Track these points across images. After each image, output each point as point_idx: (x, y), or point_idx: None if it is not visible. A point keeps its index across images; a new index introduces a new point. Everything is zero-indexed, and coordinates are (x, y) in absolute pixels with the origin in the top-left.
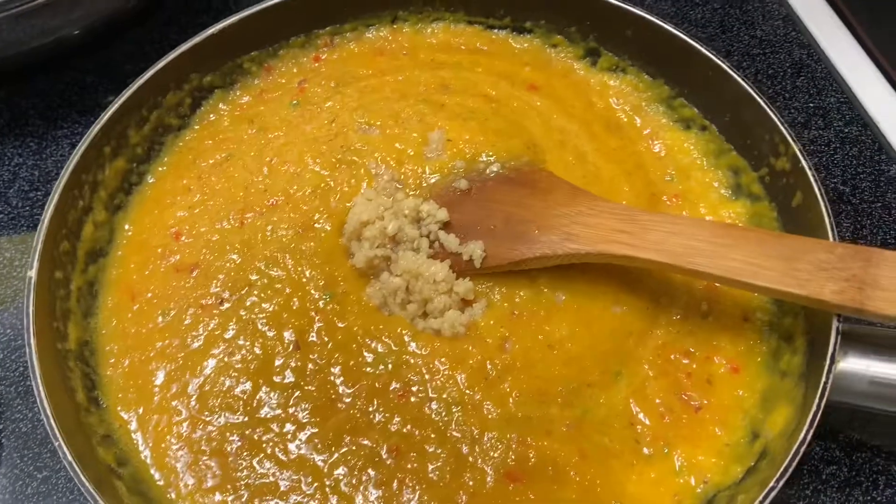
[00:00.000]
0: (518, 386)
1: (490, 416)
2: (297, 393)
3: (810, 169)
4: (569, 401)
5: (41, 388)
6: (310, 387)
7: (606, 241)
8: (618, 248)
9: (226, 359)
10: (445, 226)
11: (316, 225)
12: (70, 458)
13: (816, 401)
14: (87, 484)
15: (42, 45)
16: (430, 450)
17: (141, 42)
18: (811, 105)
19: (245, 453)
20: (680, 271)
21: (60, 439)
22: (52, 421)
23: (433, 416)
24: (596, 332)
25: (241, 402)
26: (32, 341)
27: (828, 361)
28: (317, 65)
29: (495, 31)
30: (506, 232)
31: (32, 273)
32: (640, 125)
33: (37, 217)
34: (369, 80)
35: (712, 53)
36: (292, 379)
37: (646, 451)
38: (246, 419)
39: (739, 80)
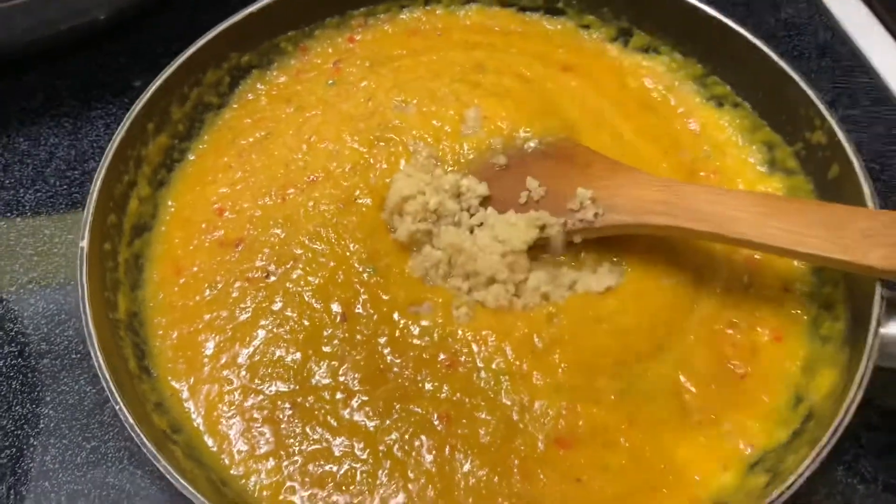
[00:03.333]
0: (566, 357)
1: (539, 385)
2: (346, 363)
3: (848, 141)
4: (617, 372)
5: (99, 354)
6: (358, 357)
7: (648, 211)
8: (661, 219)
9: (274, 330)
10: (485, 200)
11: (357, 201)
12: (131, 419)
13: (864, 360)
14: (148, 445)
15: (72, 27)
16: (481, 416)
17: (171, 24)
18: (838, 86)
19: (297, 420)
20: (723, 240)
21: (121, 402)
22: (111, 384)
23: (482, 384)
24: (645, 306)
25: (291, 372)
26: (88, 309)
27: (873, 324)
28: (351, 45)
29: (528, 13)
30: (546, 204)
31: (84, 243)
32: (675, 104)
33: (75, 195)
34: (404, 59)
35: (746, 31)
36: (340, 349)
37: (693, 418)
38: (297, 387)
39: (774, 56)
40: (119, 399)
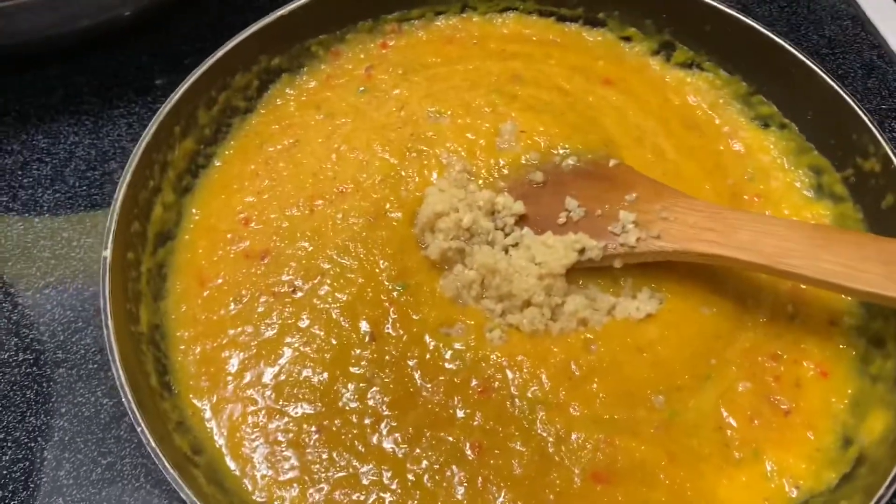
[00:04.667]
0: (604, 387)
1: (576, 416)
2: (374, 385)
3: None
4: (657, 404)
5: (120, 371)
6: (387, 379)
7: (694, 239)
8: (706, 247)
9: (301, 348)
10: (521, 219)
11: (387, 214)
12: (153, 443)
13: None
14: (170, 470)
15: (96, 23)
16: (515, 447)
17: (196, 24)
18: (884, 107)
19: (323, 445)
20: (771, 272)
21: (143, 424)
22: (132, 405)
23: (516, 413)
24: (685, 335)
25: (317, 393)
26: (110, 323)
27: None
28: (384, 51)
29: (567, 23)
30: (586, 227)
31: (108, 253)
32: (719, 123)
33: (94, 196)
34: (438, 68)
35: (796, 49)
36: (369, 370)
37: (735, 454)
38: (323, 409)
39: (826, 76)
40: (141, 420)
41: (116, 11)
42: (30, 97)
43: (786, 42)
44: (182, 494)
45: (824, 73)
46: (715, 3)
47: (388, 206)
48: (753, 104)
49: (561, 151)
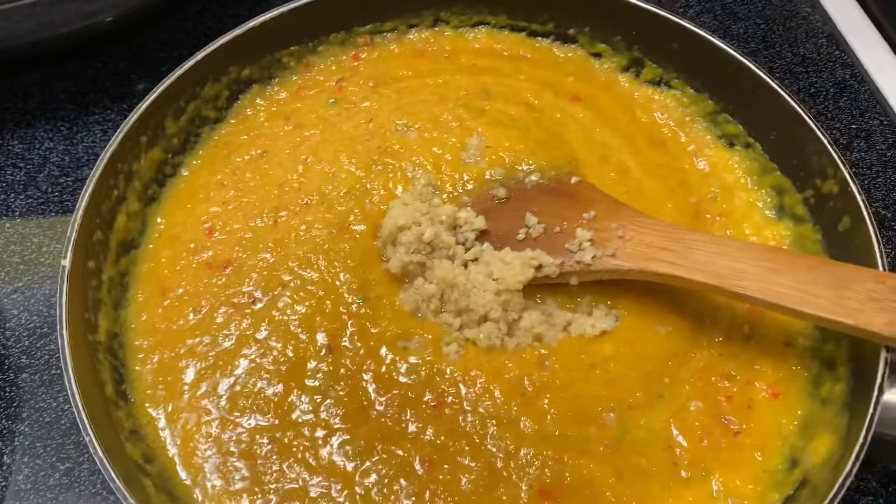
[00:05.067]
0: (556, 404)
1: (526, 432)
2: (329, 398)
3: (860, 193)
4: (608, 421)
5: (72, 380)
6: (342, 392)
7: (650, 258)
8: (662, 267)
9: (257, 360)
10: (482, 234)
11: (351, 227)
12: (100, 452)
13: (863, 433)
14: (116, 480)
15: (76, 29)
16: (464, 462)
17: (175, 31)
18: (853, 126)
19: (275, 457)
20: (725, 293)
21: (91, 433)
22: (82, 414)
23: (468, 428)
24: (640, 353)
25: (271, 405)
26: (64, 332)
27: (875, 392)
28: (356, 63)
29: (539, 38)
30: (544, 243)
31: (66, 262)
32: (685, 141)
33: (66, 202)
34: (409, 81)
35: (761, 70)
36: (324, 383)
37: (683, 474)
38: (276, 422)
39: (789, 98)
40: (90, 430)
41: (97, 18)
42: (7, 102)
43: (751, 62)
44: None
45: (787, 94)
46: (683, 22)
47: (352, 218)
48: (719, 123)
49: (525, 168)
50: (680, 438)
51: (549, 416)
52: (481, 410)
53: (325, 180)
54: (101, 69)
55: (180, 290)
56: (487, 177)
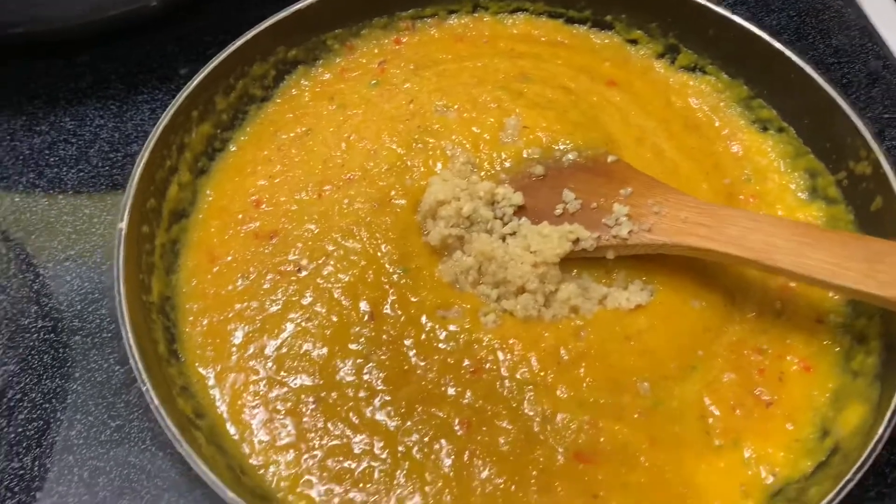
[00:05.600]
0: (592, 373)
1: (562, 398)
2: (371, 361)
3: (893, 174)
4: (642, 390)
5: (130, 335)
6: (383, 356)
7: (685, 233)
8: (697, 241)
9: (303, 324)
10: (519, 210)
11: (392, 201)
12: (156, 401)
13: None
14: (172, 428)
15: (124, 12)
16: (502, 425)
17: (219, 17)
18: (886, 116)
19: (319, 415)
20: (759, 266)
21: (148, 384)
22: (139, 365)
23: (505, 393)
24: (674, 326)
25: (316, 367)
26: (122, 289)
27: None
28: (398, 47)
29: (576, 25)
30: (581, 218)
31: (123, 225)
32: (719, 125)
33: (116, 177)
34: (448, 64)
35: (797, 56)
36: (366, 348)
37: (716, 442)
38: (321, 382)
39: (822, 82)
40: (146, 380)
41: (143, 2)
42: (59, 81)
43: (786, 48)
44: (181, 451)
45: (821, 78)
46: (719, 10)
47: (393, 193)
48: (753, 108)
49: (562, 147)
50: (713, 408)
51: (584, 384)
52: (518, 377)
53: (368, 157)
54: (149, 52)
55: (228, 258)
56: (525, 156)
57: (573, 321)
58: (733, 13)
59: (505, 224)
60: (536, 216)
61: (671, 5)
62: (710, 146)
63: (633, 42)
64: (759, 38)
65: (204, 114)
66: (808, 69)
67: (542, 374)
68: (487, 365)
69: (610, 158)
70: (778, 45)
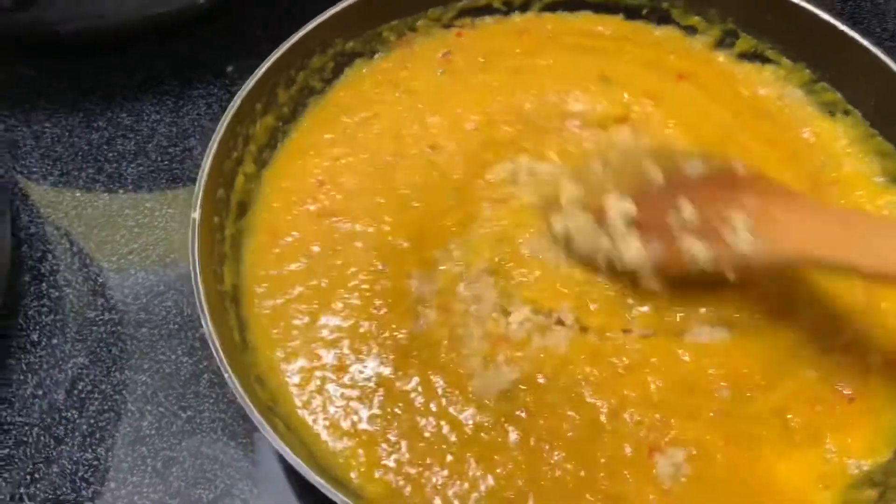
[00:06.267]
0: (664, 383)
1: (630, 397)
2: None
3: None
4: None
5: (210, 325)
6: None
7: (818, 243)
8: (831, 254)
9: (366, 306)
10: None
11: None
12: (240, 390)
13: None
14: (258, 416)
15: (172, 10)
16: (567, 413)
17: (270, 9)
18: None
19: (388, 402)
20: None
21: (230, 372)
22: (221, 355)
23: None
24: (754, 359)
25: (383, 350)
26: (199, 279)
27: None
28: (459, 38)
29: (635, 20)
30: (699, 231)
31: (196, 215)
32: (788, 112)
33: (175, 171)
34: (520, 59)
35: (861, 35)
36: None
37: (795, 437)
38: (388, 369)
39: (890, 63)
40: (228, 368)
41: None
42: (114, 78)
43: (850, 28)
44: (269, 438)
45: (889, 59)
46: None
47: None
48: (817, 91)
49: (674, 150)
50: (793, 406)
51: (655, 388)
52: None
53: (446, 137)
54: (202, 48)
55: (290, 238)
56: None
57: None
58: None
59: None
60: (648, 228)
61: None
62: (784, 134)
63: (692, 31)
64: (821, 19)
65: (267, 106)
66: (874, 48)
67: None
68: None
69: (734, 164)
70: (842, 26)
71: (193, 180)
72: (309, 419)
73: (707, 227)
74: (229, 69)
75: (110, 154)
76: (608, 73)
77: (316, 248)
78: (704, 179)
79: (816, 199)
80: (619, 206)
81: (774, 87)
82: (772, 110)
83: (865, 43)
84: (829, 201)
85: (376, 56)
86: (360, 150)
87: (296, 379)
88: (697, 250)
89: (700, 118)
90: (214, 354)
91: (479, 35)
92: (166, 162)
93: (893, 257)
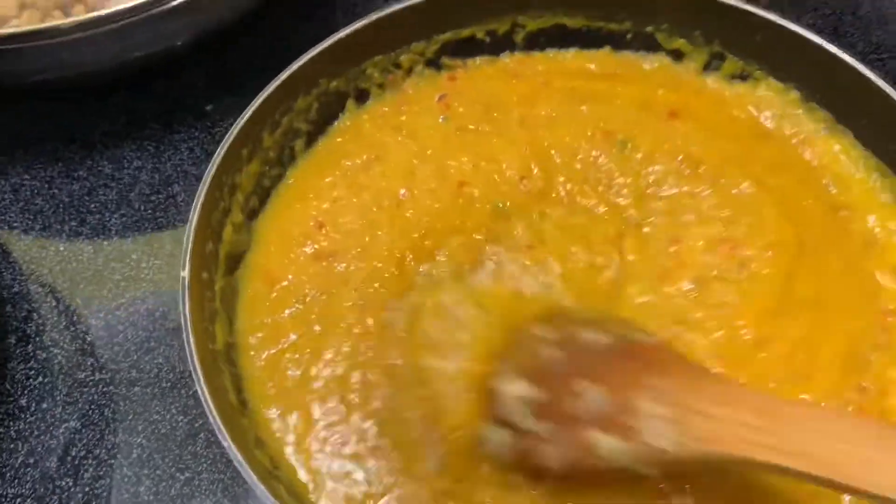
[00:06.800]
0: None
1: None
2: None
3: None
4: None
5: (205, 390)
6: None
7: (746, 442)
8: (757, 453)
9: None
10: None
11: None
12: (239, 457)
13: None
14: (259, 485)
15: (150, 54)
16: None
17: (250, 48)
18: None
19: (384, 458)
20: (831, 485)
21: (228, 440)
22: (218, 422)
23: None
24: None
25: (377, 401)
26: (192, 341)
27: None
28: (454, 82)
29: (622, 52)
30: (611, 423)
31: (186, 273)
32: (788, 134)
33: (160, 219)
34: (520, 108)
35: (845, 53)
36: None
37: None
38: (380, 422)
39: (877, 80)
40: (227, 436)
41: (170, 42)
42: (93, 124)
43: (832, 45)
44: None
45: (876, 76)
46: (761, 12)
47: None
48: (811, 110)
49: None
50: None
51: None
52: None
53: (456, 186)
54: (181, 89)
55: (285, 283)
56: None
57: None
58: (772, 14)
59: None
60: (550, 417)
61: (713, 10)
62: (787, 155)
63: (678, 57)
64: (802, 37)
65: (252, 152)
66: (860, 66)
67: None
68: None
69: (648, 339)
70: (826, 44)
71: (179, 228)
72: (308, 481)
73: (616, 417)
74: (209, 108)
75: (92, 205)
76: (620, 131)
77: (309, 292)
78: (609, 353)
79: (733, 381)
80: (512, 390)
81: (769, 106)
82: (770, 130)
83: (849, 60)
84: (847, 227)
85: (369, 101)
86: (362, 191)
87: (290, 435)
88: (606, 445)
89: (700, 155)
90: (212, 422)
91: (472, 77)
92: (150, 210)
93: (824, 454)
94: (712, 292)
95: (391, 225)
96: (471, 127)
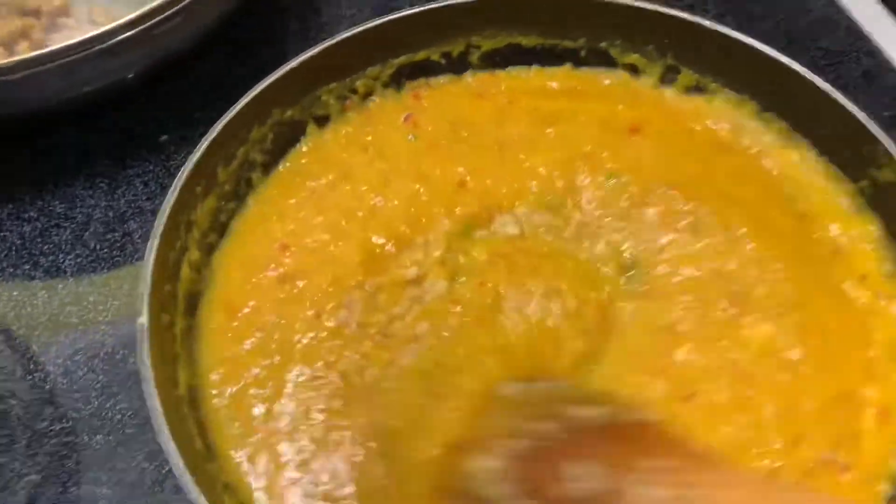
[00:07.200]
0: None
1: None
2: None
3: None
4: None
5: (170, 442)
6: None
7: None
8: None
9: (323, 384)
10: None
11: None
12: None
13: None
14: None
15: (100, 88)
16: None
17: (206, 78)
18: (886, 114)
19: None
20: None
21: (196, 492)
22: (185, 475)
23: None
24: None
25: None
26: (153, 391)
27: None
28: (419, 101)
29: (582, 68)
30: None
31: (144, 319)
32: (744, 143)
33: (116, 258)
34: (489, 128)
35: (796, 63)
36: None
37: None
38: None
39: (828, 89)
40: (195, 489)
41: (120, 76)
42: (43, 163)
43: (785, 56)
44: None
45: (826, 84)
46: (719, 28)
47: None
48: (768, 120)
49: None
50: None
51: None
52: None
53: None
54: (134, 121)
55: (247, 309)
56: None
57: None
58: (719, 25)
59: None
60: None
61: (662, 24)
62: (749, 167)
63: (635, 71)
64: (753, 48)
65: (208, 187)
66: (813, 77)
67: None
68: None
69: (644, 416)
70: (775, 53)
71: (136, 265)
72: None
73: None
74: (163, 139)
75: (45, 246)
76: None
77: (270, 320)
78: (603, 432)
79: (730, 467)
80: (483, 466)
81: (726, 118)
82: (729, 141)
83: (799, 69)
84: (812, 237)
85: (331, 123)
86: (329, 210)
87: (259, 479)
88: None
89: (661, 171)
90: (178, 476)
91: (436, 96)
92: (105, 250)
93: None
94: None
95: (358, 249)
96: (440, 144)
